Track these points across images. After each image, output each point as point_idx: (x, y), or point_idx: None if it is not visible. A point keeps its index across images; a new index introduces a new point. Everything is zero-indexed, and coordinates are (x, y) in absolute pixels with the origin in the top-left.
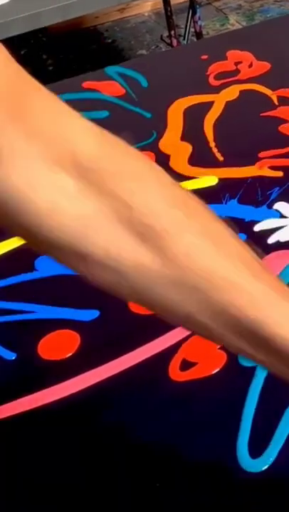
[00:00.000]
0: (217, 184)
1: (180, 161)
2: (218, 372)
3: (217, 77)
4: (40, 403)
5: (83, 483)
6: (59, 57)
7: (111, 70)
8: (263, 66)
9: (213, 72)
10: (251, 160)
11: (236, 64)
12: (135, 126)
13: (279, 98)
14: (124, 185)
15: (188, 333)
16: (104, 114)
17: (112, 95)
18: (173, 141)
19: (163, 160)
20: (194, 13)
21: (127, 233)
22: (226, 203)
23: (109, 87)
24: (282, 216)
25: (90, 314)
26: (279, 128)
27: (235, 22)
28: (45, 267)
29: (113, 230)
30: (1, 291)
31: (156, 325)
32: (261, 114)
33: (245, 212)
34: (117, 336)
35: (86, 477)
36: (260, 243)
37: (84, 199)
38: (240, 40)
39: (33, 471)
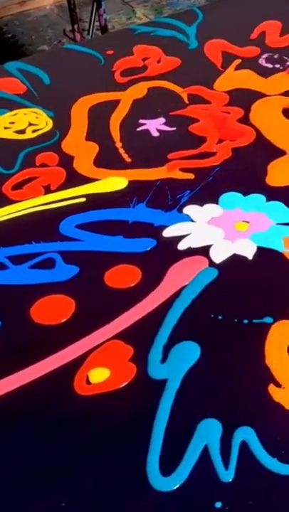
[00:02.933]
0: (124, 187)
1: (85, 162)
2: (126, 385)
3: (123, 73)
4: None
5: None
6: None
7: (11, 66)
8: (173, 62)
9: (120, 69)
10: (160, 161)
11: (144, 60)
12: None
13: (189, 96)
14: None
15: (94, 344)
16: (4, 112)
17: (12, 93)
18: (77, 142)
19: (66, 161)
20: (99, 6)
21: None
22: (133, 207)
23: (9, 84)
24: (192, 221)
25: None
26: (189, 128)
27: (142, 15)
28: None
29: None
30: None
31: (59, 336)
32: (170, 113)
33: (154, 216)
34: (19, 348)
35: None
36: (170, 249)
37: None
38: (148, 34)
39: None
